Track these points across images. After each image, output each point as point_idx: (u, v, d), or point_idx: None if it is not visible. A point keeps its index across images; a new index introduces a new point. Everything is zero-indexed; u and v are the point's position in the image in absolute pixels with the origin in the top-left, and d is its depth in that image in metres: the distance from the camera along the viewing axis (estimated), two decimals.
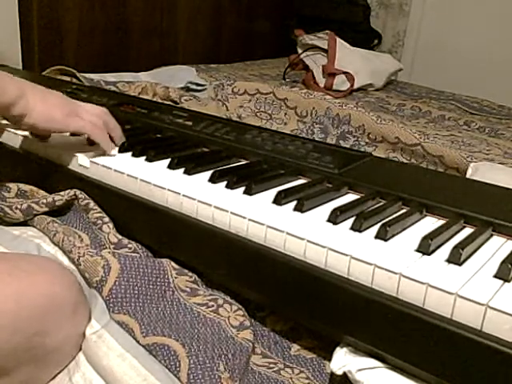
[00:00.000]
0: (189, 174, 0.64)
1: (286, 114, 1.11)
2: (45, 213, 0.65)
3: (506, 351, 0.38)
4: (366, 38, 2.22)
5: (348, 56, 1.69)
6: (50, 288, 0.47)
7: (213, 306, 0.55)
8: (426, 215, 0.57)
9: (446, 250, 0.47)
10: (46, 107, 0.64)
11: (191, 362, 0.47)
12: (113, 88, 1.19)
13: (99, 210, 0.64)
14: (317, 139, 1.01)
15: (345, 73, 1.64)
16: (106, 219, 0.63)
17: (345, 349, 0.47)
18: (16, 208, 0.64)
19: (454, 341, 0.40)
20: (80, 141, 0.73)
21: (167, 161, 0.67)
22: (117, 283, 0.52)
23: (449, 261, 0.46)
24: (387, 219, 0.53)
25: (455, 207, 0.56)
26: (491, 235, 0.53)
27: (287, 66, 1.81)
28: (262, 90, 1.15)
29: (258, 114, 1.12)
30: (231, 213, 0.54)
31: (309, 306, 0.49)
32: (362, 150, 0.99)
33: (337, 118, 1.04)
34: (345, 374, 0.46)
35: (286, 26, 2.20)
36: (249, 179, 0.61)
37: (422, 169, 0.81)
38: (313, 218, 0.54)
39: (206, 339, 0.50)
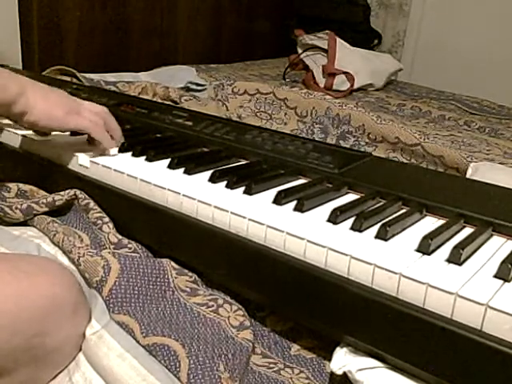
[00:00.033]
0: (189, 173, 0.64)
1: (285, 113, 1.11)
2: (45, 213, 0.65)
3: (506, 351, 0.38)
4: (365, 38, 2.22)
5: (348, 56, 1.69)
6: (50, 289, 0.47)
7: (213, 305, 0.55)
8: (425, 215, 0.57)
9: (446, 249, 0.47)
10: (47, 105, 0.64)
11: (191, 362, 0.47)
12: (113, 88, 1.19)
13: (99, 209, 0.64)
14: (317, 139, 1.01)
15: (345, 73, 1.64)
16: (106, 219, 0.63)
17: (345, 349, 0.47)
18: (16, 208, 0.64)
19: (454, 341, 0.40)
20: (80, 141, 0.73)
21: (167, 161, 0.67)
22: (117, 283, 0.52)
23: (449, 261, 0.46)
24: (387, 219, 0.53)
25: (455, 207, 0.56)
26: (491, 235, 0.53)
27: (287, 66, 1.81)
28: (262, 90, 1.15)
29: (257, 114, 1.12)
30: (231, 213, 0.54)
31: (309, 305, 0.49)
32: (362, 149, 0.99)
33: (337, 118, 1.04)
34: (345, 373, 0.46)
35: (286, 26, 2.20)
36: (249, 179, 0.61)
37: (422, 169, 0.81)
38: (313, 218, 0.54)
39: (205, 339, 0.50)
